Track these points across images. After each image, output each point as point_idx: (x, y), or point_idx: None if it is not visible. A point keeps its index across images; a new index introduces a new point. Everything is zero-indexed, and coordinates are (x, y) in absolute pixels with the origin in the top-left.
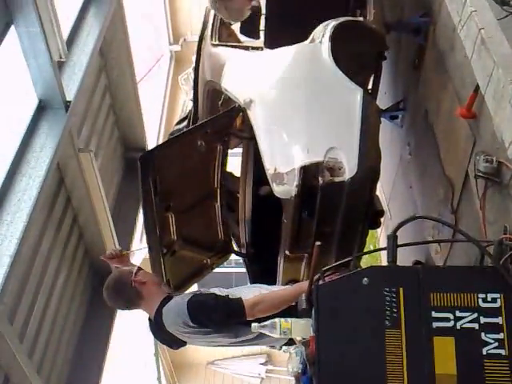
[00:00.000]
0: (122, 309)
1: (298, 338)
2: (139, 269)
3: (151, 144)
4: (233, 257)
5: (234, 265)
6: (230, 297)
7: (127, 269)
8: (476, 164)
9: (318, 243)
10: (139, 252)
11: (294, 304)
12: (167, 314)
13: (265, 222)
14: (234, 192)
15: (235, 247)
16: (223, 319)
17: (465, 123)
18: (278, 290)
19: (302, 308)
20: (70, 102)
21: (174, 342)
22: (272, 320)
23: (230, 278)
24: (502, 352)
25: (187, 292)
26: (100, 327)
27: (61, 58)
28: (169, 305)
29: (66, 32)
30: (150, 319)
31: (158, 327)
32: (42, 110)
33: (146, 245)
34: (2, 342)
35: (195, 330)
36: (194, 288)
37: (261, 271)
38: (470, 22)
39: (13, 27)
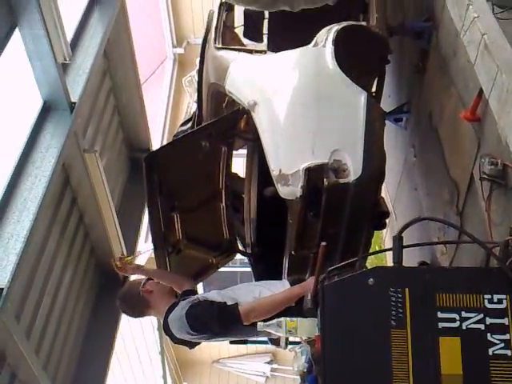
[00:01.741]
0: (135, 317)
1: (304, 338)
2: (148, 279)
3: (156, 145)
4: (238, 256)
5: (239, 264)
6: (228, 302)
7: (137, 280)
8: (481, 166)
9: (323, 243)
10: (145, 252)
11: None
12: (172, 325)
13: (270, 222)
14: (239, 193)
15: (240, 247)
16: (221, 327)
17: (469, 126)
18: (272, 295)
19: (308, 307)
20: (74, 103)
21: (188, 343)
22: (278, 319)
23: (235, 277)
24: (508, 353)
25: (189, 300)
26: (106, 325)
27: (65, 59)
28: (172, 315)
29: (70, 34)
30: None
31: (169, 333)
32: (46, 111)
33: (151, 245)
34: (9, 339)
35: (199, 336)
36: (199, 288)
37: (266, 271)
38: (472, 27)
39: (17, 29)
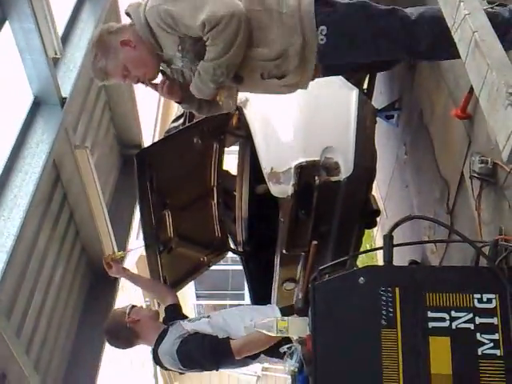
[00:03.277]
0: (124, 349)
1: (295, 337)
2: (132, 307)
3: (147, 142)
4: (229, 254)
5: (231, 262)
6: (219, 335)
7: (120, 310)
8: (471, 164)
9: (314, 242)
10: (136, 249)
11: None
12: (162, 358)
13: (261, 221)
14: (231, 190)
15: (232, 245)
16: (213, 363)
17: (460, 124)
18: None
19: (299, 307)
20: (65, 98)
21: (178, 371)
22: (269, 319)
23: (227, 275)
24: (497, 352)
25: (177, 330)
26: (97, 323)
27: (56, 54)
28: (162, 349)
29: (60, 28)
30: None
31: (159, 364)
32: (37, 106)
33: (142, 242)
34: None
35: (190, 370)
36: (191, 286)
37: (257, 269)
38: (463, 24)
39: (7, 23)
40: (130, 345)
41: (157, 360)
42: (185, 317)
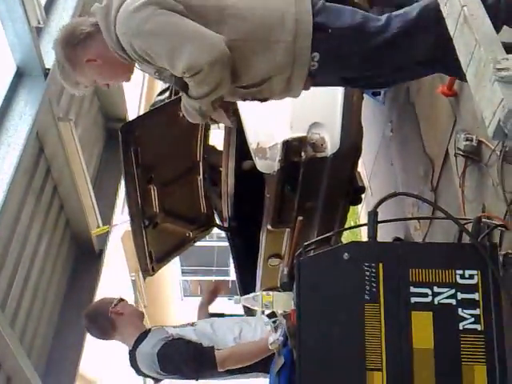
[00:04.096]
0: (97, 337)
1: (280, 311)
2: (121, 300)
3: (132, 115)
4: (215, 231)
5: (216, 239)
6: (205, 343)
7: (109, 299)
8: (456, 142)
9: (300, 218)
10: (121, 224)
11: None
12: (140, 361)
13: (247, 196)
14: (217, 166)
15: (217, 221)
16: (194, 372)
17: (446, 101)
18: (251, 343)
19: (284, 282)
20: (48, 69)
21: (153, 379)
22: (254, 293)
23: (212, 251)
24: (478, 327)
25: (160, 333)
26: (81, 297)
27: (39, 23)
28: (141, 350)
29: None
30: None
31: (135, 367)
32: (20, 77)
33: (127, 217)
34: None
35: (169, 376)
36: (177, 262)
37: (243, 245)
38: None
39: None
40: (105, 336)
41: (133, 363)
42: None
